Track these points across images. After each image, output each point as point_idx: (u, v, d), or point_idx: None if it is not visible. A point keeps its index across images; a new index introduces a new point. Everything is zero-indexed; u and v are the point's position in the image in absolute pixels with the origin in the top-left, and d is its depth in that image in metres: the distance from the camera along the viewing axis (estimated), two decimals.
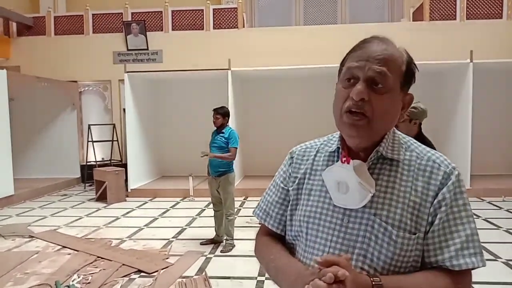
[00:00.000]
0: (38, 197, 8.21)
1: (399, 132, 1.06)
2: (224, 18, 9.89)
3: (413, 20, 9.89)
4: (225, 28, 9.84)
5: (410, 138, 1.08)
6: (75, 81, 9.91)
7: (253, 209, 1.24)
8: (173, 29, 9.90)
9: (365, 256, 0.96)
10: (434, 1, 9.08)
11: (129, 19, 9.89)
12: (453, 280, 0.92)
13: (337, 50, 9.19)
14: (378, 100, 0.94)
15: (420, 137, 2.80)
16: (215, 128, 4.93)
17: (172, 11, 9.90)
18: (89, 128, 9.41)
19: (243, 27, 9.97)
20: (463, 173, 7.86)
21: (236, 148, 4.79)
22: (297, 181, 1.10)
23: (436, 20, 9.02)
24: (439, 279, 0.92)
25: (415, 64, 1.01)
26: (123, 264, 4.27)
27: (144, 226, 5.93)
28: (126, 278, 3.94)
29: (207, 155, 4.76)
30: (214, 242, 5.01)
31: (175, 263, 4.32)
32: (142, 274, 4.05)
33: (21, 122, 9.12)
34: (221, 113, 4.86)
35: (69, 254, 4.68)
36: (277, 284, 1.04)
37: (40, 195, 8.36)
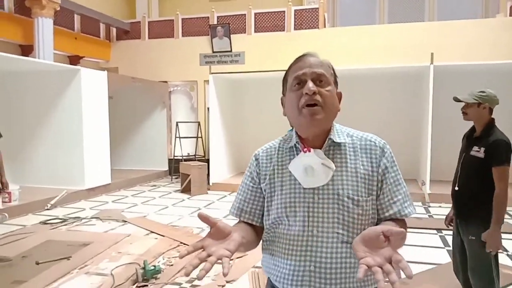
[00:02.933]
0: (131, 187, 9.04)
1: (338, 124, 1.32)
2: (306, 19, 10.01)
3: (510, 15, 9.16)
4: (306, 28, 9.96)
5: (347, 127, 1.33)
6: (166, 82, 10.70)
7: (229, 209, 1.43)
8: (255, 31, 10.25)
9: (338, 222, 1.20)
10: None
11: (215, 22, 10.43)
12: (402, 225, 1.23)
13: (423, 48, 8.91)
14: (324, 91, 1.20)
15: (490, 126, 2.64)
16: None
17: (255, 14, 10.25)
18: (176, 125, 10.10)
19: (324, 27, 10.01)
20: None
21: None
22: (268, 178, 1.30)
23: None
24: (397, 223, 1.21)
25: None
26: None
27: (223, 217, 6.29)
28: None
29: None
30: None
31: (249, 253, 4.56)
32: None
33: (118, 118, 10.04)
34: None
35: (156, 238, 5.15)
36: None
37: (133, 184, 9.19)
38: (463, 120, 2.78)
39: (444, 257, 4.47)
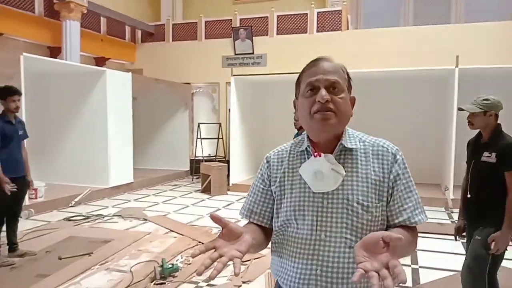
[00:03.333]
0: (153, 186, 9.19)
1: (351, 129, 1.31)
2: (328, 21, 9.98)
3: None
4: (328, 30, 9.92)
5: (360, 132, 1.32)
6: (189, 83, 10.84)
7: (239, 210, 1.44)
8: (277, 34, 10.28)
9: (346, 227, 1.20)
10: None
11: (238, 25, 10.51)
12: (412, 232, 1.22)
13: (449, 51, 8.70)
14: (337, 99, 1.20)
15: (497, 131, 2.65)
16: (297, 130, 4.81)
17: (278, 16, 10.28)
18: (198, 126, 10.22)
19: (347, 29, 9.95)
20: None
21: None
22: (278, 180, 1.31)
23: None
24: (406, 231, 1.19)
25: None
26: None
27: (242, 218, 6.32)
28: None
29: None
30: None
31: (267, 255, 4.58)
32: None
33: (141, 119, 10.22)
34: None
35: (175, 237, 5.23)
36: None
37: (154, 184, 9.35)
38: None
39: None
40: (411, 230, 1.23)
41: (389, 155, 1.25)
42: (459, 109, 2.81)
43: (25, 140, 4.52)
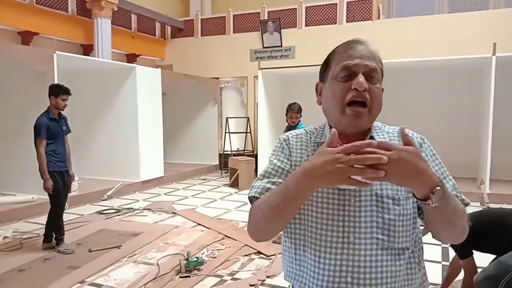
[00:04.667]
0: (183, 180, 9.32)
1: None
2: (358, 11, 9.75)
3: None
4: (359, 20, 9.69)
5: (383, 123, 1.22)
6: (217, 78, 10.89)
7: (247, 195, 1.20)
8: (306, 25, 10.15)
9: (377, 226, 1.08)
10: None
11: (266, 17, 10.44)
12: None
13: (486, 39, 8.35)
14: (373, 89, 1.09)
15: None
16: (288, 124, 4.99)
17: (306, 7, 10.14)
18: (226, 120, 10.26)
19: (378, 18, 9.69)
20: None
21: None
22: (294, 167, 1.15)
23: None
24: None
25: None
26: (246, 245, 4.65)
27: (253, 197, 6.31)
28: (247, 257, 4.31)
29: None
30: None
31: None
32: (261, 255, 4.36)
33: (171, 114, 10.34)
34: (297, 111, 4.94)
35: (202, 230, 5.28)
36: (288, 205, 1.02)
37: (184, 178, 9.47)
38: None
39: None
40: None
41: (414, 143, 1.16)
42: None
43: (68, 135, 4.75)
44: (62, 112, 4.61)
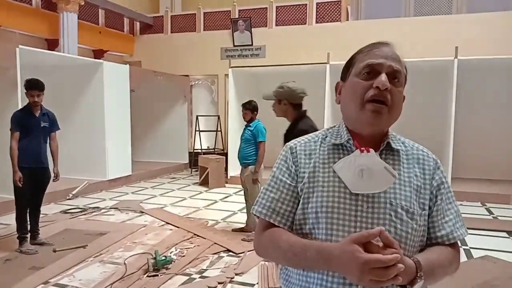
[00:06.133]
0: (151, 179, 9.19)
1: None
2: (328, 12, 9.89)
3: None
4: (328, 22, 9.84)
5: (398, 134, 1.19)
6: (187, 75, 10.79)
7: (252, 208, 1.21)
8: (276, 25, 10.21)
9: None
10: None
11: (237, 16, 10.43)
12: (453, 249, 1.12)
13: (449, 42, 8.62)
14: (395, 91, 1.07)
15: (297, 119, 2.59)
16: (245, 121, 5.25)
17: (277, 7, 10.20)
18: (197, 118, 10.20)
19: (347, 20, 9.86)
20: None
21: (263, 141, 5.01)
22: (306, 176, 1.11)
23: None
24: (447, 250, 1.10)
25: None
26: (215, 243, 4.65)
27: (238, 211, 6.33)
28: (216, 255, 4.31)
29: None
30: (244, 231, 5.10)
31: None
32: (231, 253, 4.38)
33: (140, 111, 10.16)
34: (249, 108, 5.16)
35: (171, 229, 5.23)
36: (306, 267, 1.06)
37: (153, 176, 9.35)
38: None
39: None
40: (452, 247, 1.11)
41: (430, 160, 1.15)
42: (263, 97, 2.78)
43: (56, 132, 4.71)
44: (43, 107, 4.51)
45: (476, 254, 4.43)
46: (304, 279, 1.08)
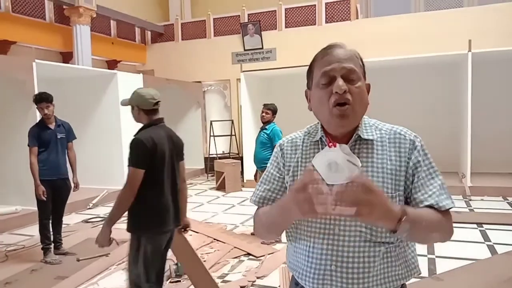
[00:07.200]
0: None
1: (367, 117, 1.26)
2: (337, 11, 9.87)
3: None
4: (338, 21, 9.81)
5: (377, 120, 1.27)
6: (199, 82, 10.87)
7: (250, 197, 1.40)
8: (286, 27, 10.22)
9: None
10: None
11: (246, 20, 10.48)
12: (443, 216, 1.16)
13: (461, 35, 8.53)
14: (354, 89, 1.15)
15: (141, 129, 2.58)
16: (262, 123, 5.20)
17: (286, 9, 10.21)
18: (211, 124, 10.26)
19: (356, 18, 9.83)
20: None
21: None
22: (291, 169, 1.27)
23: None
24: (436, 212, 1.16)
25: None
26: (235, 247, 4.67)
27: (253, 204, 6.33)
28: (237, 260, 4.33)
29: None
30: None
31: (281, 250, 4.58)
32: (251, 257, 4.39)
33: None
34: (271, 109, 5.13)
35: (191, 235, 5.25)
36: (279, 225, 1.23)
37: None
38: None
39: (484, 252, 4.30)
40: (442, 214, 1.16)
41: (407, 142, 1.20)
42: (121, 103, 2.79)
43: (72, 142, 4.83)
44: (61, 120, 4.65)
45: (500, 249, 4.36)
46: (295, 258, 1.27)
